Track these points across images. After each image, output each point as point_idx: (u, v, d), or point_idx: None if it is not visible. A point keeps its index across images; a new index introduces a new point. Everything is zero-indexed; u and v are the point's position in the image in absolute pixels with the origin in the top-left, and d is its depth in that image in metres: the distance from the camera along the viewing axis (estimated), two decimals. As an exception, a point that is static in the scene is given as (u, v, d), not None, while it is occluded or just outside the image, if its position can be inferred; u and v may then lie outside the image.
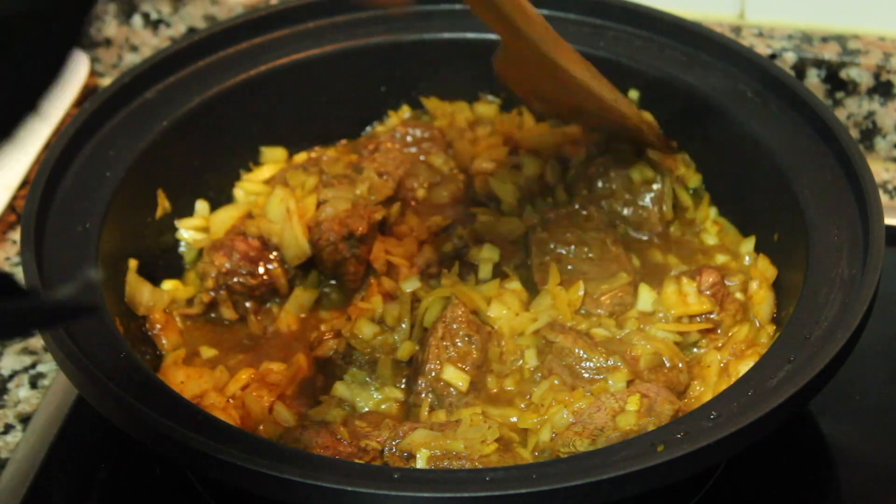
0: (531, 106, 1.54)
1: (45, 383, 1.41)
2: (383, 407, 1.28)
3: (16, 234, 1.58)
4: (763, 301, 1.33)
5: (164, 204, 1.43)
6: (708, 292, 1.32)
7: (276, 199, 1.42)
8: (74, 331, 1.17)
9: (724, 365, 1.28)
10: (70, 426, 1.34)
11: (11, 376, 1.42)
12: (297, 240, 1.39)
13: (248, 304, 1.40)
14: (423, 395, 1.26)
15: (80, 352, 1.14)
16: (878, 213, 1.23)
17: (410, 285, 1.35)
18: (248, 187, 1.50)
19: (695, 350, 1.31)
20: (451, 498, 1.01)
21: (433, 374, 1.26)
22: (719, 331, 1.31)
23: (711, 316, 1.31)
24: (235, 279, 1.38)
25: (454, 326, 1.28)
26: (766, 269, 1.36)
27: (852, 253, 1.23)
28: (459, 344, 1.28)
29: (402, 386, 1.30)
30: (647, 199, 1.43)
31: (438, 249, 1.41)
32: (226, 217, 1.44)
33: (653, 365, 1.26)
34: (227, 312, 1.39)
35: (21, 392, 1.41)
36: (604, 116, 1.40)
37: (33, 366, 1.43)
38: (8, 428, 1.37)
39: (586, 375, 1.25)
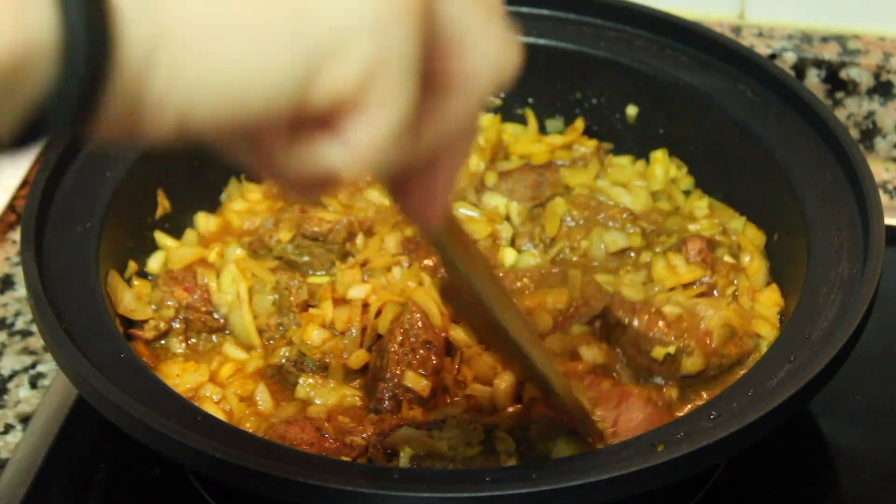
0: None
1: (45, 383, 1.41)
2: (348, 400, 1.26)
3: (16, 234, 1.58)
4: (758, 271, 1.34)
5: (164, 204, 1.43)
6: (697, 259, 1.32)
7: (228, 276, 1.34)
8: (74, 331, 1.17)
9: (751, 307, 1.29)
10: (70, 426, 1.34)
11: (11, 376, 1.42)
12: (247, 330, 1.32)
13: (201, 336, 1.34)
14: (385, 402, 1.25)
15: (80, 352, 1.14)
16: (878, 213, 1.23)
17: (358, 291, 1.33)
18: (200, 224, 1.46)
19: None
20: (451, 498, 1.01)
21: (395, 380, 1.25)
22: (716, 293, 1.32)
23: (705, 280, 1.32)
24: (196, 315, 1.33)
25: (413, 333, 1.28)
26: (755, 237, 1.37)
27: (852, 253, 1.23)
28: (421, 351, 1.27)
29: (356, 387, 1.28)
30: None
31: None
32: (186, 253, 1.40)
33: (724, 338, 1.24)
34: (176, 345, 1.33)
35: (21, 392, 1.40)
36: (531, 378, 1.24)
37: (33, 366, 1.43)
38: (8, 428, 1.37)
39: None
